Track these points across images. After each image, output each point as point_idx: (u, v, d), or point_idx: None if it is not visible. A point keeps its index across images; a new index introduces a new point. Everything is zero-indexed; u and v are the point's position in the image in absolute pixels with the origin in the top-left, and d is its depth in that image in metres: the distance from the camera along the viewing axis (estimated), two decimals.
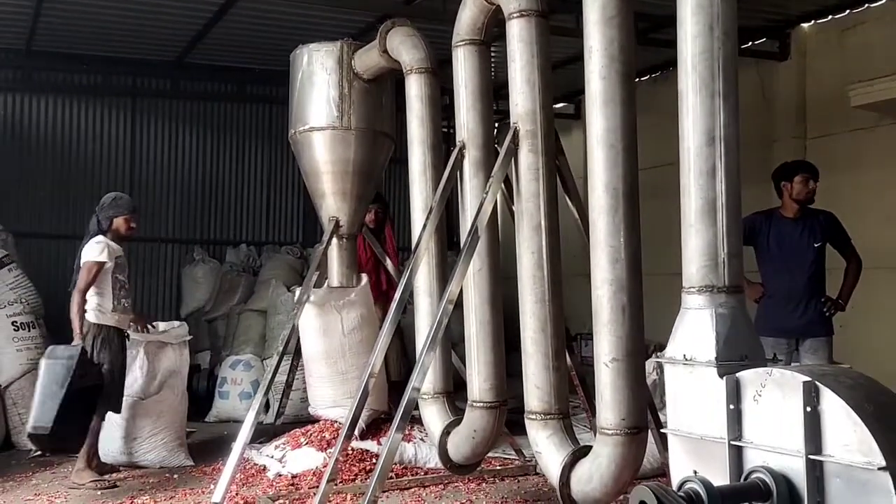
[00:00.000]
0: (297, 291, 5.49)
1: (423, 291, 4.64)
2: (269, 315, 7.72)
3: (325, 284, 5.63)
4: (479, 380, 4.22)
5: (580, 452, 3.52)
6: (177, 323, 5.92)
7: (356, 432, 5.10)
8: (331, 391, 5.56)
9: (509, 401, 4.31)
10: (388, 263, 6.07)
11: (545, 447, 3.67)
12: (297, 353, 5.80)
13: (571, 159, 4.20)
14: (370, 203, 5.95)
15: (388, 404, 5.72)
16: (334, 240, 5.60)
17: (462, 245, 4.04)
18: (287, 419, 6.30)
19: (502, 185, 4.06)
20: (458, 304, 4.09)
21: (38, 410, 4.68)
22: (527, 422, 3.80)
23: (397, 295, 4.23)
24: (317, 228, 7.29)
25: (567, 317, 4.02)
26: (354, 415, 4.18)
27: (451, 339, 4.92)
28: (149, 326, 5.58)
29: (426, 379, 4.21)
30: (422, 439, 5.43)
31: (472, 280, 4.20)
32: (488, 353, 4.22)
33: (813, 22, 7.77)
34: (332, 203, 5.55)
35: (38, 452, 5.89)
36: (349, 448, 5.16)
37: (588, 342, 3.88)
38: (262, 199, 9.84)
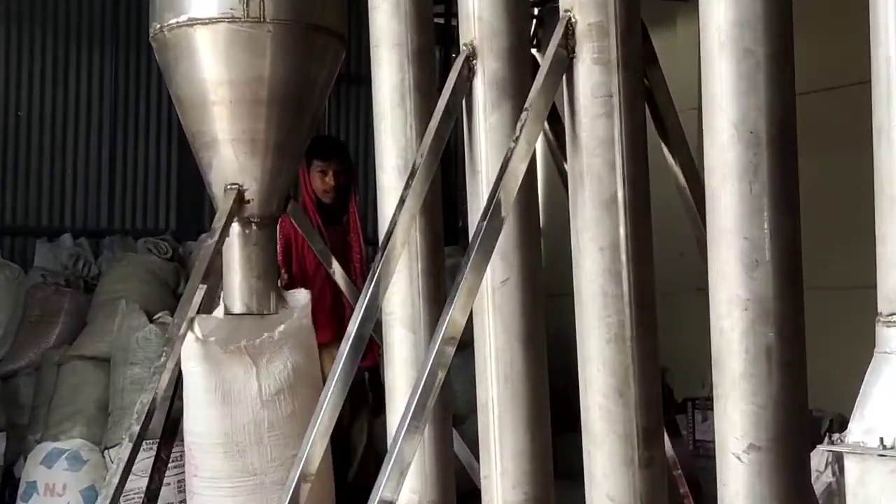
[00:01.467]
0: (169, 321, 4.83)
1: (398, 320, 3.99)
2: (117, 366, 6.66)
3: (220, 309, 4.75)
4: (503, 484, 3.61)
5: None
6: None
7: None
8: None
9: None
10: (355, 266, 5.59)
11: None
12: (169, 435, 4.92)
13: (674, 77, 3.72)
14: (314, 158, 5.32)
15: None
16: (235, 227, 4.75)
17: (472, 236, 3.41)
18: None
19: (546, 126, 3.53)
20: (465, 345, 3.43)
21: None
22: None
23: (352, 326, 3.52)
24: (203, 207, 6.99)
25: (666, 370, 3.54)
26: None
27: (454, 410, 4.38)
28: None
29: (406, 482, 3.45)
30: None
31: (491, 300, 3.58)
32: (519, 434, 3.61)
33: None
34: (230, 157, 4.68)
35: None
36: None
37: (706, 415, 3.82)
38: (99, 153, 8.64)
